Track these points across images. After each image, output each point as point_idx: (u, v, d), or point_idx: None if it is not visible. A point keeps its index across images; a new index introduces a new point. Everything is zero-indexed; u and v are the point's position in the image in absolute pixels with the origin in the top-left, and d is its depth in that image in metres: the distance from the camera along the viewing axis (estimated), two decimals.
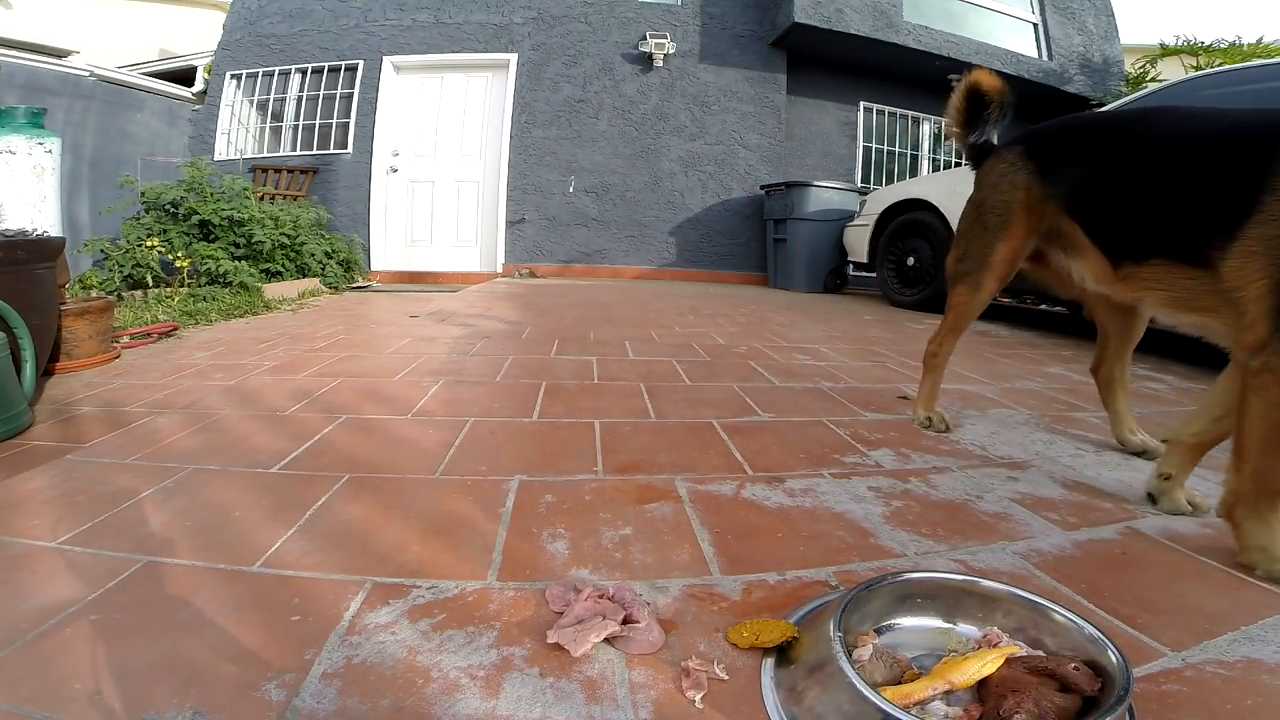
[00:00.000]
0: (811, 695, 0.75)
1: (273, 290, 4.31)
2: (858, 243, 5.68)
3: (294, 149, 6.86)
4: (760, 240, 7.24)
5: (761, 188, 7.03)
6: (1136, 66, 8.74)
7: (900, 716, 0.67)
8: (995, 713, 0.70)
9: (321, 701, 0.72)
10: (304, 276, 4.88)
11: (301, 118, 6.85)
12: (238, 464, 1.41)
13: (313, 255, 5.02)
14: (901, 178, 8.12)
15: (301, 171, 6.46)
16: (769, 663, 0.84)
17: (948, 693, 0.75)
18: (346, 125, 6.59)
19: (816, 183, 6.26)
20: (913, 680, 0.77)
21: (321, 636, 0.84)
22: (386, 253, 6.60)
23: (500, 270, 6.79)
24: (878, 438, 1.70)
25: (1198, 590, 1.03)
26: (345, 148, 6.56)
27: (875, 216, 5.33)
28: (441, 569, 1.02)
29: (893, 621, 0.90)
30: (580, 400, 2.01)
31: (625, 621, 0.89)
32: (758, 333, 3.47)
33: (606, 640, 0.87)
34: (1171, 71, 7.59)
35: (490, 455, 1.50)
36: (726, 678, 0.81)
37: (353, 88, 6.58)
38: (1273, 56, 6.15)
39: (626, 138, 7.11)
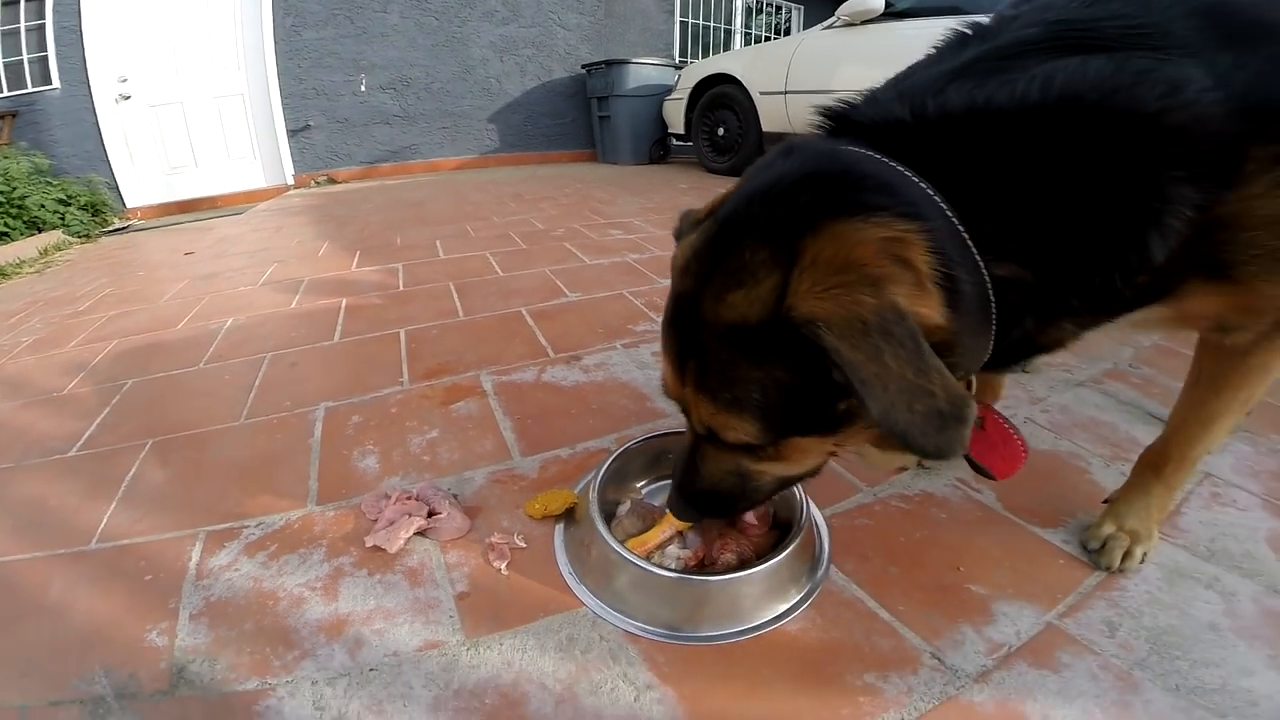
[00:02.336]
0: (587, 551, 0.90)
1: (4, 254, 3.57)
2: (675, 115, 5.84)
3: None
4: (587, 118, 7.08)
5: (582, 67, 6.80)
6: None
7: (638, 563, 0.83)
8: (710, 554, 0.88)
9: (198, 637, 0.82)
10: (39, 231, 4.07)
11: None
12: (31, 456, 1.29)
13: (42, 207, 4.19)
14: (717, 51, 8.15)
15: None
16: (560, 528, 0.99)
17: (680, 536, 0.92)
18: (45, 59, 5.25)
19: (635, 60, 6.19)
20: None
21: (177, 587, 0.90)
22: (142, 186, 5.61)
23: (292, 182, 6.05)
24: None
25: None
26: (50, 83, 5.27)
27: (689, 90, 5.47)
28: (264, 506, 1.07)
29: (658, 475, 1.06)
30: (385, 312, 1.98)
31: (431, 515, 0.97)
32: (579, 213, 3.50)
33: (420, 534, 0.97)
34: None
35: (293, 388, 1.48)
36: (525, 546, 0.95)
37: (43, 18, 5.18)
38: None
39: (425, 28, 6.38)
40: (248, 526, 1.02)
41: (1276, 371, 0.77)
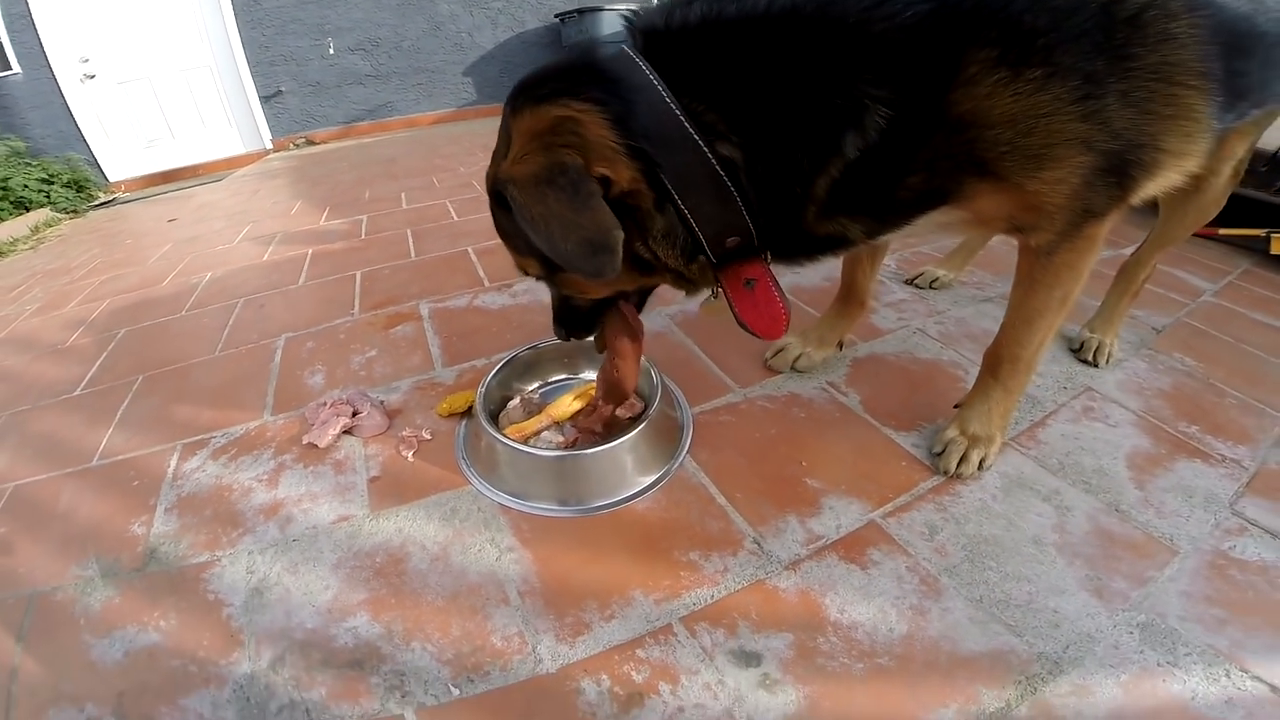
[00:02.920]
0: (479, 440, 1.06)
1: None
2: None
3: None
4: None
5: (555, 16, 6.65)
6: None
7: (515, 446, 0.97)
8: (574, 440, 1.03)
9: (169, 525, 1.01)
10: (27, 210, 4.23)
11: None
12: (45, 398, 1.49)
13: (26, 187, 4.34)
14: None
15: None
16: (463, 423, 1.17)
17: (557, 425, 1.06)
18: (0, 45, 5.26)
19: (609, 6, 6.04)
20: None
21: (156, 488, 1.10)
22: (121, 160, 5.67)
23: (270, 146, 6.10)
24: None
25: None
26: (9, 69, 5.29)
27: None
28: (229, 420, 1.27)
29: (558, 376, 1.24)
30: (345, 258, 2.15)
31: (355, 415, 1.17)
32: None
33: (347, 433, 1.17)
34: None
35: (260, 325, 1.68)
36: (430, 438, 1.14)
37: None
38: None
39: None
40: (215, 436, 1.22)
41: (1083, 270, 0.82)
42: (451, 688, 0.72)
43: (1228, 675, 0.67)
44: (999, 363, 0.95)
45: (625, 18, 0.76)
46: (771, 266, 0.83)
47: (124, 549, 0.97)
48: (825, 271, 1.60)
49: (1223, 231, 1.75)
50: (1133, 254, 1.25)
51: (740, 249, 0.77)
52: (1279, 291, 1.56)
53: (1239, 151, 1.02)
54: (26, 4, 5.07)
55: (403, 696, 0.71)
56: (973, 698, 0.66)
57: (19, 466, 1.22)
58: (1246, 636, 0.71)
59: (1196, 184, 1.03)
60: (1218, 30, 0.66)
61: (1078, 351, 1.25)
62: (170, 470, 1.14)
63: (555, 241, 0.64)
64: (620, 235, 0.65)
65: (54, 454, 1.25)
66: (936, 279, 1.56)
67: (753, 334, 0.84)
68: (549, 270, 0.80)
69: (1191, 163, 0.73)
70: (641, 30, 0.72)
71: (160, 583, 0.90)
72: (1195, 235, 1.77)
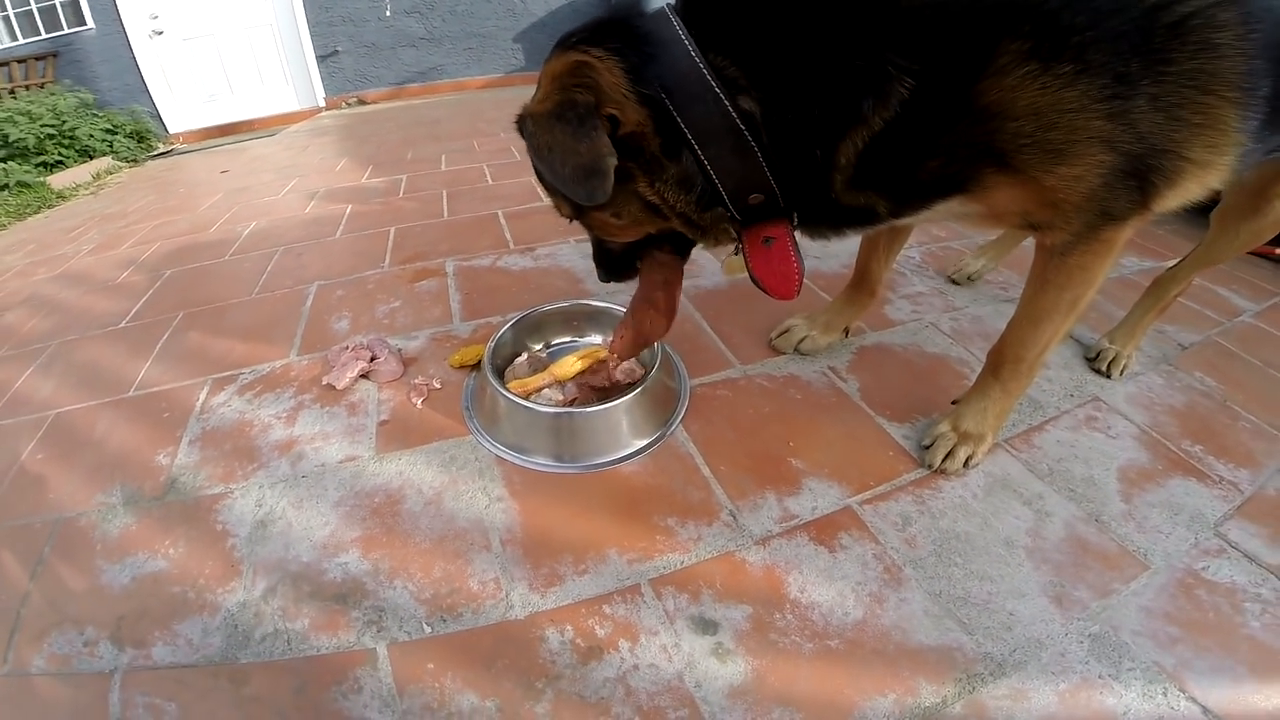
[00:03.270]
0: (484, 392, 1.09)
1: (61, 179, 3.96)
2: None
3: (15, 40, 5.67)
4: None
5: None
6: None
7: (516, 400, 1.00)
8: (573, 399, 1.05)
9: (191, 457, 1.07)
10: (90, 159, 4.47)
11: (10, 4, 5.58)
12: (92, 329, 1.59)
13: (91, 136, 4.58)
14: None
15: (37, 59, 5.46)
16: (472, 375, 1.20)
17: (560, 383, 1.08)
18: (76, 1, 5.48)
19: None
20: None
21: (184, 421, 1.16)
22: (182, 113, 5.88)
23: (323, 104, 6.24)
24: None
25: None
26: (84, 24, 5.50)
27: None
28: (258, 357, 1.33)
29: (565, 338, 1.27)
30: (382, 214, 2.21)
31: (373, 360, 1.21)
32: None
33: (364, 377, 1.21)
34: None
35: (296, 272, 1.75)
36: (439, 387, 1.17)
37: None
38: None
39: None
40: (243, 373, 1.28)
41: (1097, 274, 0.80)
42: (425, 625, 0.76)
43: (1164, 694, 0.66)
44: (1001, 362, 0.94)
45: None
46: (799, 236, 0.84)
47: (147, 478, 1.02)
48: (844, 259, 1.58)
49: None
50: (1171, 268, 1.19)
51: (765, 208, 0.77)
52: None
53: None
54: None
55: (378, 631, 0.75)
56: (912, 690, 0.67)
57: (63, 394, 1.30)
58: (1195, 656, 0.70)
59: (1256, 205, 0.99)
60: (1270, 46, 0.63)
61: (1092, 361, 1.21)
62: (199, 404, 1.20)
63: (555, 168, 0.69)
64: (613, 161, 0.68)
65: (95, 383, 1.32)
66: (976, 271, 1.52)
67: (764, 290, 0.84)
68: (576, 210, 0.83)
69: (1214, 176, 0.71)
70: None
71: (175, 512, 0.95)
72: (1251, 253, 1.69)
